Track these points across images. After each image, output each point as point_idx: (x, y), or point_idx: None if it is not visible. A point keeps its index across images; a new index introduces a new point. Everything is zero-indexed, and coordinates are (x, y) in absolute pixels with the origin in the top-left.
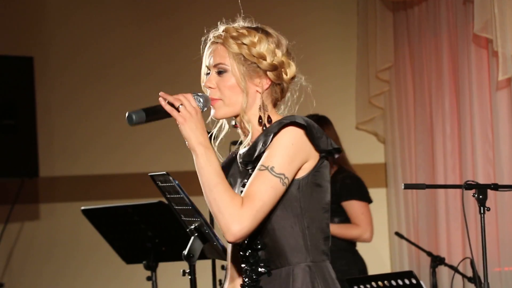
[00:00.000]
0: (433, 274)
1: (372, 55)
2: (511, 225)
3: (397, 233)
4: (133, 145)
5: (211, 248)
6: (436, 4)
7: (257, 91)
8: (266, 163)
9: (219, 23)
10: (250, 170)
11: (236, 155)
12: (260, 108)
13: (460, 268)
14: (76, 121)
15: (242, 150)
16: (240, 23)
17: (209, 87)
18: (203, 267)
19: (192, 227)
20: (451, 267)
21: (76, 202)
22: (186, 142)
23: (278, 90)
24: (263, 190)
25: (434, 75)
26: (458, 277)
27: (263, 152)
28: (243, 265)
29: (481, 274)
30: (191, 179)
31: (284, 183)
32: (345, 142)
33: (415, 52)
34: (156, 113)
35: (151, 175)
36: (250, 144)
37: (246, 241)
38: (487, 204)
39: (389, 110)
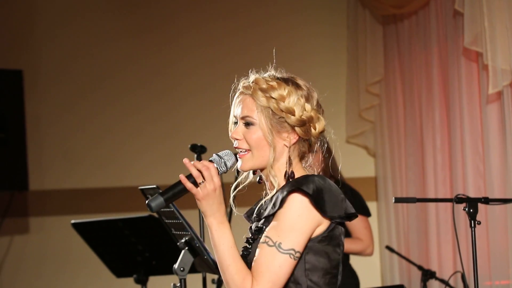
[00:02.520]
0: None
1: (362, 68)
2: (502, 238)
3: (388, 247)
4: (124, 158)
5: (202, 261)
6: (426, 17)
7: (285, 145)
8: (274, 237)
9: (250, 71)
10: (261, 224)
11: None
12: (286, 163)
13: (451, 282)
14: (66, 134)
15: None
16: (271, 72)
17: (236, 139)
18: (194, 281)
19: (183, 240)
20: (442, 281)
21: (66, 215)
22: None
23: (306, 145)
24: (272, 270)
25: (424, 89)
26: None
27: (273, 214)
28: None
29: None
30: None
31: (295, 257)
32: (335, 155)
33: (405, 65)
34: (175, 195)
35: (141, 189)
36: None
37: None
38: (478, 217)
39: (379, 124)
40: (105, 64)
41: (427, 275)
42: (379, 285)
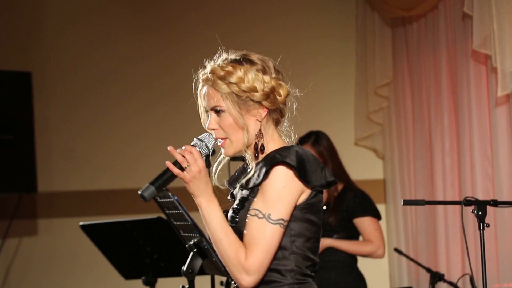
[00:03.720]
0: None
1: (370, 71)
2: (511, 241)
3: (396, 249)
4: (132, 159)
5: (210, 263)
6: (435, 20)
7: (257, 120)
8: (263, 210)
9: (205, 61)
10: (246, 194)
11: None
12: (257, 136)
13: (460, 285)
14: (74, 136)
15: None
16: (224, 56)
17: (213, 129)
18: (202, 283)
19: (191, 242)
20: (450, 283)
21: (75, 217)
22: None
23: (277, 113)
24: (263, 241)
25: (433, 91)
26: None
27: (258, 185)
28: None
29: None
30: (189, 194)
31: (284, 225)
32: (343, 158)
33: (414, 68)
34: (165, 182)
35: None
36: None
37: None
38: (486, 220)
39: (388, 126)
40: (111, 66)
41: (436, 277)
42: (388, 287)
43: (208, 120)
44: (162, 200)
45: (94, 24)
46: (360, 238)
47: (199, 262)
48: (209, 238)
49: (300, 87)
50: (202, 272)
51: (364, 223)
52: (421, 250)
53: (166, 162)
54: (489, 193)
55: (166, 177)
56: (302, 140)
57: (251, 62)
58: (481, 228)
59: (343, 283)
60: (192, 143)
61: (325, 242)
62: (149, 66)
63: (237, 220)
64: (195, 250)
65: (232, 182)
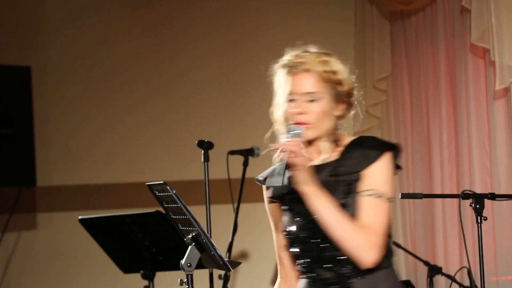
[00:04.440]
0: (430, 283)
1: (369, 64)
2: (508, 234)
3: (394, 243)
4: (130, 154)
5: (209, 257)
6: (433, 13)
7: (342, 112)
8: (380, 189)
9: (287, 50)
10: (343, 181)
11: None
12: (338, 126)
13: (457, 278)
14: (73, 130)
15: (317, 163)
16: (312, 48)
17: (301, 113)
18: (201, 276)
19: (190, 236)
20: (448, 276)
21: (74, 211)
22: (300, 187)
23: (350, 109)
24: (383, 218)
25: (431, 85)
26: (455, 287)
27: (363, 169)
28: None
29: (478, 283)
30: (188, 188)
31: (392, 203)
32: None
33: (412, 61)
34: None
35: (148, 185)
36: (332, 159)
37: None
38: (484, 213)
39: (386, 120)
40: (110, 60)
41: (434, 270)
42: None
43: (298, 104)
44: (161, 194)
45: (93, 20)
46: None
47: (197, 255)
48: (203, 234)
49: None
50: (200, 265)
51: None
52: (419, 243)
53: (282, 156)
54: (487, 186)
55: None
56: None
57: (336, 58)
58: (479, 221)
59: None
60: (290, 135)
61: None
62: (147, 62)
63: (347, 204)
64: (193, 244)
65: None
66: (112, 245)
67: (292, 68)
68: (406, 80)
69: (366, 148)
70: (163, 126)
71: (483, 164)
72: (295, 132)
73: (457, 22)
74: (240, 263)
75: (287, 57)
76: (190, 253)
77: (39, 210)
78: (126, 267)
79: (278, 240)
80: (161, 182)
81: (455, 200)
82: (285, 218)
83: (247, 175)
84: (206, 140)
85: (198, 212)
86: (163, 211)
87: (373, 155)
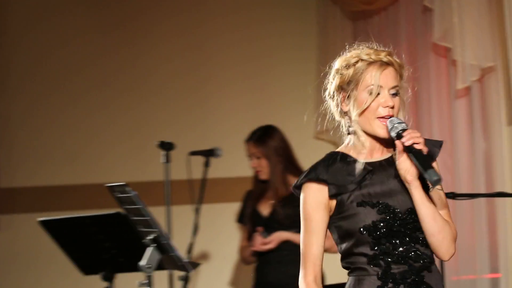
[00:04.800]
0: None
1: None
2: (469, 233)
3: None
4: (92, 155)
5: (169, 258)
6: (395, 13)
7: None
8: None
9: (373, 45)
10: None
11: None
12: None
13: None
14: (35, 132)
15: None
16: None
17: (391, 106)
18: (161, 278)
19: (150, 237)
20: None
21: (36, 213)
22: (407, 176)
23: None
24: (449, 208)
25: None
26: None
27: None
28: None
29: None
30: (149, 189)
31: None
32: (304, 152)
33: None
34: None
35: (108, 186)
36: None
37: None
38: None
39: None
40: (71, 62)
41: None
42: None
43: (389, 98)
44: (121, 195)
45: (54, 23)
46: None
47: (157, 257)
48: (163, 236)
49: (261, 83)
50: (160, 267)
51: None
52: None
53: (416, 144)
54: (448, 185)
55: (422, 154)
56: (249, 137)
57: None
58: None
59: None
60: (402, 128)
61: (283, 236)
62: (108, 64)
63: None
64: (153, 245)
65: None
66: (72, 246)
67: (377, 62)
68: None
69: (429, 143)
70: (125, 128)
71: (445, 163)
72: (402, 124)
73: (420, 21)
74: (200, 264)
75: (363, 53)
76: (150, 255)
77: (2, 212)
78: (87, 269)
79: (317, 240)
80: (122, 183)
81: None
82: (360, 213)
83: (209, 175)
84: (167, 141)
85: (158, 213)
86: (124, 213)
87: (436, 152)
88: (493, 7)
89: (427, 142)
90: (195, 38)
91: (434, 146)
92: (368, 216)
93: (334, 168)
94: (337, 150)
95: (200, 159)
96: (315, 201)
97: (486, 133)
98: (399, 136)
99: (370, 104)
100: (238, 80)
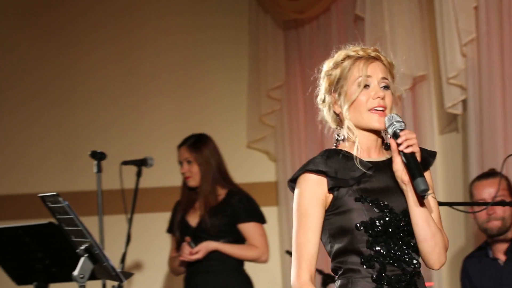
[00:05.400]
0: None
1: (263, 73)
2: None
3: (288, 252)
4: (26, 166)
5: (101, 268)
6: (327, 22)
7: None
8: (433, 190)
9: (345, 45)
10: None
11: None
12: None
13: None
14: None
15: (383, 158)
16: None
17: (382, 98)
18: (94, 287)
19: (82, 247)
20: None
21: None
22: (403, 177)
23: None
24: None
25: None
26: None
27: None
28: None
29: None
30: (81, 199)
31: None
32: (236, 161)
33: (306, 70)
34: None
35: (41, 196)
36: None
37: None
38: None
39: (280, 129)
40: (5, 73)
41: (327, 279)
42: None
43: (379, 89)
44: (53, 205)
45: None
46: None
47: (90, 267)
48: (96, 245)
49: (192, 91)
50: (93, 277)
51: (249, 228)
52: None
53: (410, 147)
54: None
55: (415, 160)
56: (182, 142)
57: None
58: None
59: (230, 287)
60: (401, 128)
61: (211, 246)
62: (38, 75)
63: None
64: (86, 255)
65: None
66: (5, 257)
67: (364, 56)
68: (300, 88)
69: (423, 154)
70: (57, 138)
71: None
72: (400, 123)
73: (351, 30)
74: (133, 274)
75: (350, 51)
76: (83, 264)
77: None
78: (20, 279)
79: (313, 237)
80: (53, 193)
81: None
82: (358, 209)
83: (141, 185)
84: (98, 151)
85: (91, 223)
86: (56, 223)
87: (430, 160)
88: (424, 16)
89: (422, 151)
90: (125, 47)
91: (429, 156)
92: (366, 212)
93: (333, 161)
94: (333, 148)
95: (133, 169)
96: (313, 194)
97: (418, 141)
98: (396, 135)
99: (359, 95)
100: (170, 88)
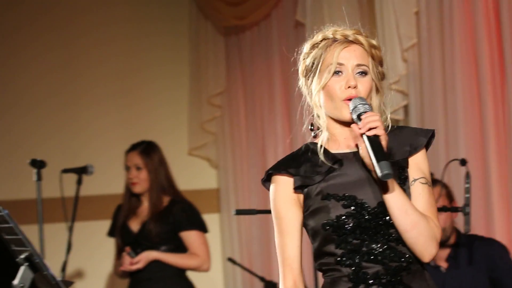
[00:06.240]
0: None
1: (204, 80)
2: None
3: (230, 259)
4: None
5: (42, 277)
6: (267, 28)
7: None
8: (427, 176)
9: (326, 26)
10: (396, 166)
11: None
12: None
13: None
14: None
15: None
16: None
17: (354, 87)
18: None
19: (22, 256)
20: None
21: None
22: (369, 165)
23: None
24: (435, 206)
25: (266, 99)
26: None
27: (414, 154)
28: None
29: None
30: (21, 208)
31: None
32: (177, 168)
33: (247, 76)
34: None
35: None
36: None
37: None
38: None
39: (222, 135)
40: None
41: (269, 286)
42: None
43: (349, 77)
44: None
45: None
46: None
47: (30, 276)
48: (36, 254)
49: (134, 99)
50: (33, 286)
51: (190, 237)
52: (255, 259)
53: (376, 132)
54: None
55: (378, 143)
56: (132, 147)
57: None
58: None
59: None
60: (366, 109)
61: (151, 255)
62: None
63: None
64: (26, 264)
65: (301, 171)
66: None
67: (341, 40)
68: (241, 95)
69: (411, 133)
70: (2, 148)
71: None
72: (365, 106)
73: (292, 36)
74: (73, 282)
75: (329, 32)
76: (23, 274)
77: None
78: None
79: (291, 241)
80: None
81: None
82: (324, 207)
83: (83, 193)
84: (38, 159)
85: (31, 231)
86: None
87: (421, 141)
88: (365, 21)
89: (409, 131)
90: (66, 56)
91: (420, 135)
92: (333, 210)
93: (301, 159)
94: (315, 141)
95: (73, 177)
96: (283, 196)
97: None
98: (359, 119)
99: (329, 83)
100: (111, 96)
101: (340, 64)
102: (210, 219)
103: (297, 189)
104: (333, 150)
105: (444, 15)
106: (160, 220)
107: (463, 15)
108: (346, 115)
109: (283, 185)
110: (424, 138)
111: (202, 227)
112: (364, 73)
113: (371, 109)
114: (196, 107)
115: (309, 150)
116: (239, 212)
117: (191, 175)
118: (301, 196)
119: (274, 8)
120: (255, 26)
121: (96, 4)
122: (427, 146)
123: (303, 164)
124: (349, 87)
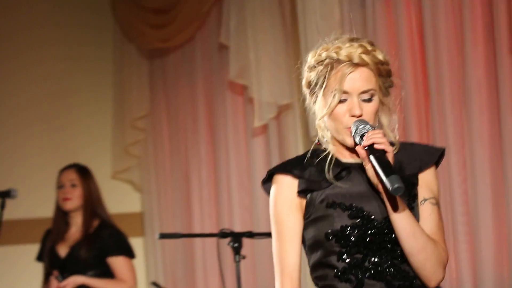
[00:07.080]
0: None
1: (127, 103)
2: (269, 271)
3: (154, 283)
4: None
5: None
6: (191, 50)
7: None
8: (436, 197)
9: (322, 40)
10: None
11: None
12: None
13: None
14: None
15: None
16: (343, 36)
17: (358, 115)
18: None
19: None
20: None
21: None
22: (377, 185)
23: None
24: (443, 228)
25: (190, 122)
26: None
27: (423, 171)
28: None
29: None
30: None
31: None
32: (102, 192)
33: (171, 99)
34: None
35: None
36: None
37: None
38: (244, 251)
39: (145, 159)
40: None
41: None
42: None
43: (355, 105)
44: None
45: None
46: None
47: None
48: None
49: (56, 125)
50: None
51: (118, 262)
52: (180, 283)
53: (377, 145)
54: (247, 223)
55: (385, 160)
56: (68, 166)
57: None
58: (237, 260)
59: None
60: (369, 128)
61: (78, 280)
62: None
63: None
64: None
65: (311, 183)
66: None
67: (345, 63)
68: (165, 118)
69: (420, 150)
70: None
71: (243, 201)
72: (366, 127)
73: (216, 58)
74: None
75: (332, 50)
76: None
77: None
78: None
79: (291, 248)
80: None
81: (215, 239)
82: (329, 216)
83: (7, 217)
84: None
85: None
86: None
87: (433, 157)
88: (289, 44)
89: (420, 147)
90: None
91: (429, 154)
92: (337, 220)
93: (308, 162)
94: (320, 147)
95: None
96: (285, 199)
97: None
98: (363, 139)
99: (333, 110)
100: (36, 121)
101: (345, 92)
102: (135, 242)
103: (301, 193)
104: (340, 159)
105: (368, 36)
106: (88, 244)
107: (387, 36)
108: (349, 142)
109: (286, 186)
110: (436, 155)
111: (129, 253)
112: (370, 98)
113: (374, 129)
114: (120, 130)
115: (316, 155)
116: (163, 236)
117: (115, 199)
118: (304, 202)
119: (198, 30)
120: (179, 49)
121: (22, 27)
122: (437, 164)
123: (308, 168)
124: (353, 115)
